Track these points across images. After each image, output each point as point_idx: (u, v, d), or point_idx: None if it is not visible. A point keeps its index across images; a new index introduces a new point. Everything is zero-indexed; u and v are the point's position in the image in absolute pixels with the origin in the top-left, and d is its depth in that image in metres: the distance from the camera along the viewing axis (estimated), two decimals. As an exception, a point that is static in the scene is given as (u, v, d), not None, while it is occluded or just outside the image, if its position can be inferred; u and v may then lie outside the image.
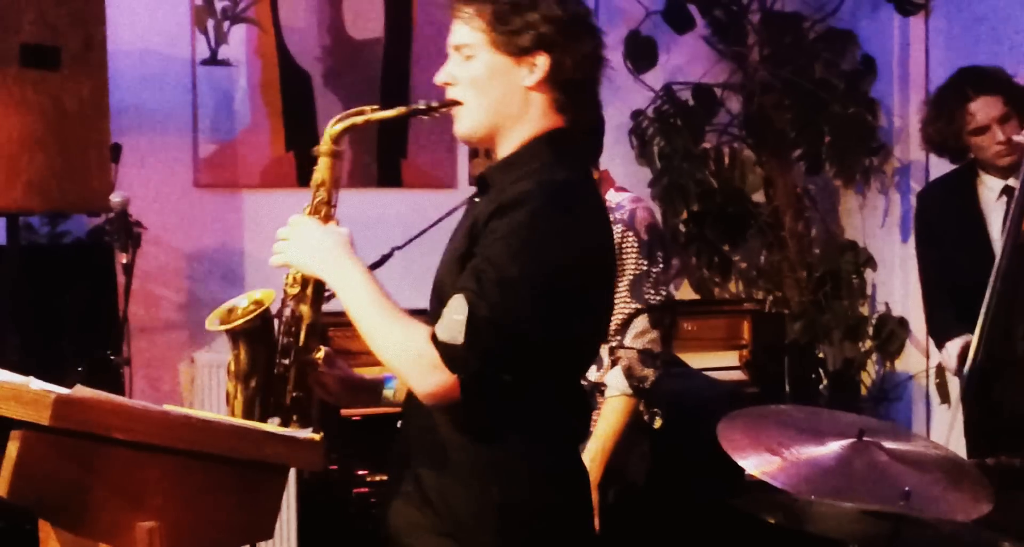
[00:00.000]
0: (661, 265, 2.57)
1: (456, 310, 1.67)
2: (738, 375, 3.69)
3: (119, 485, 1.61)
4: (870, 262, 4.27)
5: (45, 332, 3.34)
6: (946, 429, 2.99)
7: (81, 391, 1.59)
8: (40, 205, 3.26)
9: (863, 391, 4.25)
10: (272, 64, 3.95)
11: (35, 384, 1.61)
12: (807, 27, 4.27)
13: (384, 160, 4.05)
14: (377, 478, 3.02)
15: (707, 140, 4.30)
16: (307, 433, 1.77)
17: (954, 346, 2.96)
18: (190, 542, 1.65)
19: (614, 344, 2.52)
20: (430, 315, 1.80)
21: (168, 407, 1.75)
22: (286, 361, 1.85)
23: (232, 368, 1.87)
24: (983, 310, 2.82)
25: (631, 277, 2.54)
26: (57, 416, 1.53)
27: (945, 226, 3.16)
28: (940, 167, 3.50)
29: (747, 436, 2.09)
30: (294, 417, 1.85)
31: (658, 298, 2.55)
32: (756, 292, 4.35)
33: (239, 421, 1.81)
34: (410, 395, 1.80)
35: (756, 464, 2.02)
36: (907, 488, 1.93)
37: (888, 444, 2.08)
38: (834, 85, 4.18)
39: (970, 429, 3.02)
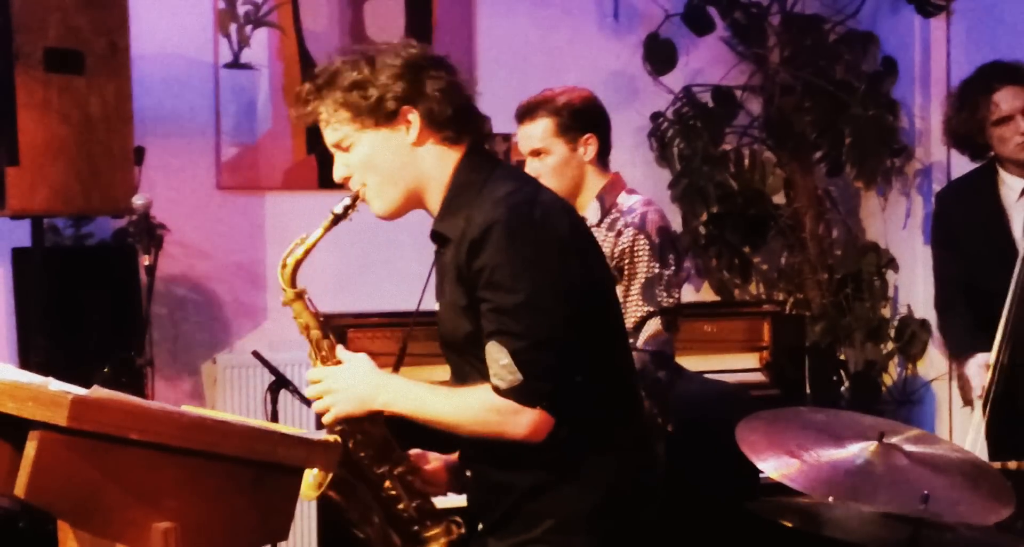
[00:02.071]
0: (673, 268, 2.58)
1: (498, 357, 1.73)
2: (758, 377, 3.67)
3: (135, 486, 1.61)
4: (892, 264, 4.25)
5: (69, 333, 3.37)
6: (968, 432, 2.98)
7: (98, 392, 1.59)
8: (64, 207, 3.30)
9: (884, 393, 4.23)
10: (294, 67, 3.97)
11: (54, 385, 1.62)
12: (827, 29, 4.25)
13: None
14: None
15: (727, 142, 4.29)
16: (323, 434, 1.79)
17: (976, 366, 2.91)
18: (206, 543, 1.66)
19: None
20: (450, 364, 1.88)
21: (186, 408, 1.76)
22: (388, 484, 1.88)
23: (351, 517, 1.89)
24: (1005, 311, 2.80)
25: (643, 280, 2.55)
26: (74, 417, 1.54)
27: (966, 227, 3.13)
28: (961, 168, 3.48)
29: (767, 438, 2.09)
30: (428, 523, 1.89)
31: (670, 300, 2.55)
32: (777, 294, 4.34)
33: (255, 422, 1.82)
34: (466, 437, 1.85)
35: (775, 466, 2.02)
36: (927, 491, 1.92)
37: (909, 447, 2.07)
38: (855, 86, 4.17)
39: (992, 432, 3.00)
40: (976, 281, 3.06)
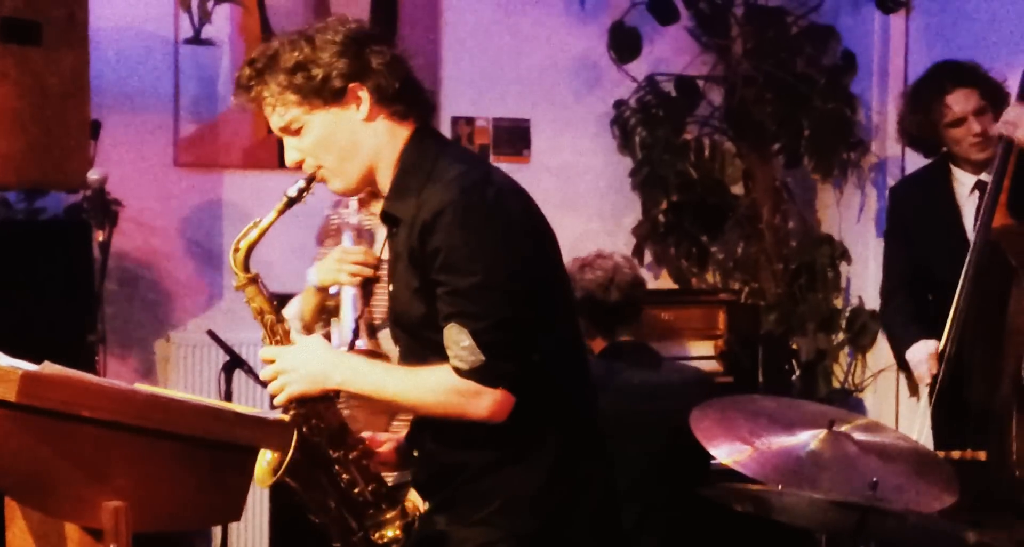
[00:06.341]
0: None
1: (459, 339, 1.72)
2: (712, 365, 3.71)
3: (86, 464, 1.60)
4: (845, 255, 4.31)
5: (20, 309, 3.33)
6: (914, 422, 3.03)
7: (49, 368, 1.58)
8: (17, 180, 3.25)
9: (835, 383, 4.30)
10: (256, 44, 3.89)
11: (3, 360, 1.61)
12: (790, 22, 4.29)
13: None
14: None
15: (688, 131, 4.32)
16: (277, 414, 1.78)
17: (920, 352, 2.96)
18: (157, 522, 1.65)
19: None
20: (400, 346, 1.87)
21: (138, 386, 1.74)
22: (343, 468, 1.85)
23: (307, 503, 1.87)
24: (955, 303, 2.85)
25: None
26: (23, 392, 1.52)
27: (919, 221, 3.18)
28: (916, 163, 3.53)
29: (719, 425, 2.12)
30: (384, 507, 1.86)
31: None
32: (733, 283, 4.38)
33: (208, 401, 1.82)
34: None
35: (727, 453, 2.05)
36: (875, 479, 1.96)
37: (857, 435, 2.11)
38: (815, 80, 4.21)
39: (938, 422, 3.05)
40: (929, 275, 3.11)
